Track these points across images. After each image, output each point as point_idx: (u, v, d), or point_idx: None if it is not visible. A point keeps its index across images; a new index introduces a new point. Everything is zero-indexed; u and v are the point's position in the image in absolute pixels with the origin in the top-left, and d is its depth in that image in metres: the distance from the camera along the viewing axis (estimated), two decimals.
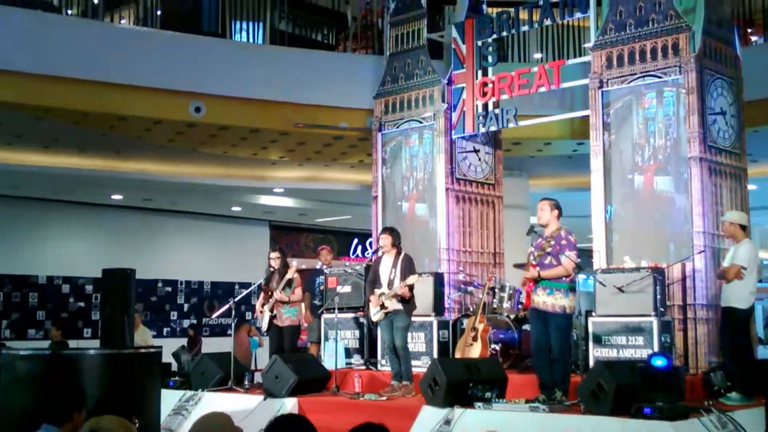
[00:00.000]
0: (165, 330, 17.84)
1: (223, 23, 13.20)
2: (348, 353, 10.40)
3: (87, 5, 12.39)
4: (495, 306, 9.96)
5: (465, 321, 9.82)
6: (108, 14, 12.60)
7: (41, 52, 10.80)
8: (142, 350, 7.59)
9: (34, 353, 7.12)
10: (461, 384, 7.43)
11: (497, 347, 9.52)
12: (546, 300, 7.55)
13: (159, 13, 13.14)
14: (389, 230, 9.06)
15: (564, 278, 7.57)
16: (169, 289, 18.12)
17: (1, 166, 13.47)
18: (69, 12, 12.44)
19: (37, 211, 16.16)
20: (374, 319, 8.95)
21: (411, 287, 8.62)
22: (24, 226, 15.96)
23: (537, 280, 7.58)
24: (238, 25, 13.64)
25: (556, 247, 7.55)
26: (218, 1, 13.10)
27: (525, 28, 11.02)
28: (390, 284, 8.69)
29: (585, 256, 7.99)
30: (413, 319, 9.12)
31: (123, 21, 13.21)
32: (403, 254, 8.85)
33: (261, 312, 9.97)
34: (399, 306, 8.66)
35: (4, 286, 15.90)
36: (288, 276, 9.80)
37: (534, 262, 7.61)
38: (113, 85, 11.21)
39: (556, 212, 7.73)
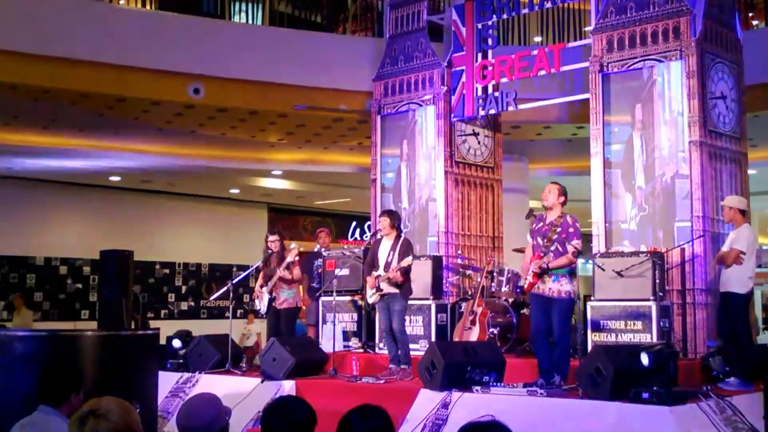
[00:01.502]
0: (162, 312, 17.86)
1: (223, 4, 13.13)
2: (346, 336, 10.41)
3: None
4: (493, 290, 9.95)
5: (463, 304, 9.82)
6: None
7: (40, 33, 10.73)
8: (140, 332, 7.58)
9: (31, 334, 7.12)
10: (459, 367, 7.42)
11: (495, 331, 9.52)
12: (552, 287, 7.54)
13: None
14: (389, 212, 9.02)
15: None
16: (167, 271, 18.12)
17: (0, 147, 13.43)
18: None
19: (35, 192, 16.13)
20: (370, 300, 8.92)
21: (405, 271, 8.57)
22: (22, 206, 15.94)
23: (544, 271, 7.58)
24: (237, 7, 13.56)
25: (563, 235, 7.54)
26: None
27: (525, 10, 10.97)
28: (387, 267, 8.65)
29: (584, 240, 7.97)
30: (411, 302, 9.11)
31: (122, 2, 13.12)
32: (402, 238, 8.81)
33: (259, 294, 9.96)
34: (394, 289, 8.63)
35: (1, 267, 15.90)
36: (289, 259, 9.77)
37: (542, 252, 7.57)
38: (112, 66, 11.16)
39: (562, 198, 7.71)
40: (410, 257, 8.54)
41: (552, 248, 7.55)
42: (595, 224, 9.40)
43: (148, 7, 12.82)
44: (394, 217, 8.91)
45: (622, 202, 9.39)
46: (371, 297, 8.81)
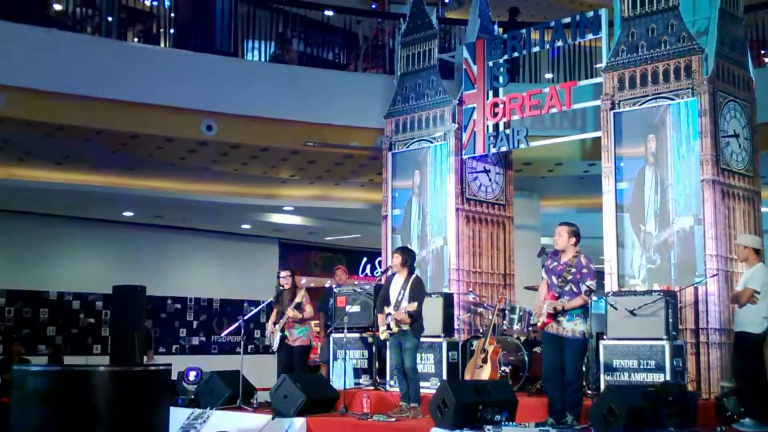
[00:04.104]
0: (174, 347, 17.83)
1: (236, 42, 13.24)
2: (356, 373, 10.37)
3: (101, 23, 12.45)
4: (505, 328, 9.91)
5: (475, 342, 9.77)
6: (121, 32, 12.65)
7: (54, 70, 10.84)
8: (152, 368, 7.58)
9: (44, 370, 7.13)
10: (471, 406, 7.39)
11: (507, 369, 9.47)
12: (566, 326, 7.51)
13: (172, 31, 13.19)
14: (402, 250, 8.99)
15: None
16: (179, 306, 18.12)
17: (14, 183, 13.52)
18: (83, 30, 12.48)
19: (48, 228, 16.19)
20: (381, 337, 8.91)
21: (412, 315, 8.54)
22: (36, 242, 15.99)
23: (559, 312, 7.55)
24: (249, 44, 13.68)
25: (577, 275, 7.52)
26: (231, 20, 13.16)
27: (536, 48, 11.02)
28: (398, 305, 8.63)
29: (597, 278, 7.95)
30: (423, 339, 9.07)
31: (136, 39, 13.26)
32: (414, 276, 8.78)
33: (273, 331, 9.96)
34: (404, 327, 8.60)
35: (15, 301, 15.91)
36: (297, 300, 9.80)
37: (556, 292, 7.55)
38: (126, 103, 11.25)
39: (573, 239, 7.68)
40: (416, 303, 8.50)
41: (566, 288, 7.53)
42: (608, 262, 9.37)
43: (161, 44, 12.94)
44: (406, 254, 8.88)
45: (630, 252, 9.33)
46: (382, 334, 8.79)
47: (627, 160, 9.50)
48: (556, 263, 7.71)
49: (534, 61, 13.52)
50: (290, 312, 9.79)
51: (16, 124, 10.96)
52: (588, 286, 7.45)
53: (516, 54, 10.98)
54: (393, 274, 8.92)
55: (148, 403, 6.43)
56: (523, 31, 10.78)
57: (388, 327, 8.61)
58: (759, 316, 7.90)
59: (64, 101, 10.89)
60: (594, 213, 10.97)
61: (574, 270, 7.54)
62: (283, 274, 10.24)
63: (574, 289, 7.52)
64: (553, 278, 7.65)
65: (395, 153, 11.61)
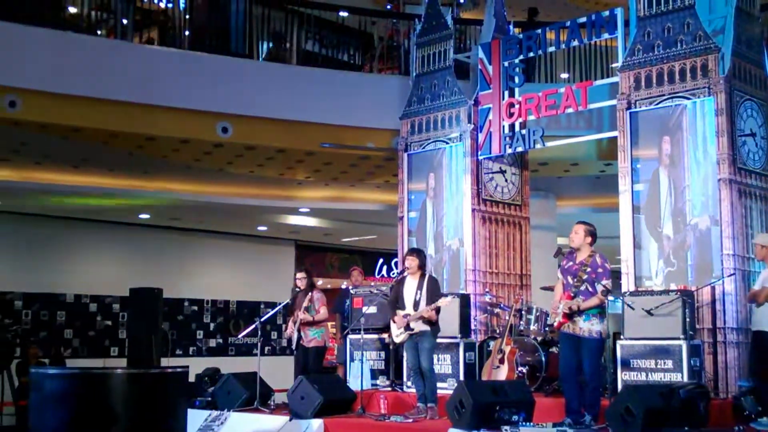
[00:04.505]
0: (191, 349, 17.89)
1: (251, 44, 13.27)
2: (373, 374, 10.36)
3: (116, 26, 12.51)
4: (522, 328, 9.89)
5: (491, 343, 9.76)
6: (137, 35, 12.70)
7: (69, 73, 10.89)
8: (169, 370, 7.59)
9: (61, 372, 7.15)
10: (488, 407, 7.37)
11: (524, 370, 9.45)
12: (582, 326, 7.50)
13: (187, 33, 13.23)
14: (416, 252, 9.00)
15: None
16: (196, 308, 18.18)
17: (31, 185, 13.60)
18: (98, 33, 12.55)
19: (65, 230, 16.29)
20: (396, 340, 8.89)
21: (438, 310, 8.56)
22: (52, 244, 16.09)
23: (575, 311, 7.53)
24: (265, 46, 13.70)
25: (592, 275, 7.51)
26: (246, 21, 13.19)
27: (552, 48, 11.00)
28: (416, 305, 8.61)
29: (613, 277, 7.93)
30: (439, 340, 9.07)
31: (152, 42, 13.29)
32: (428, 276, 8.79)
33: (291, 332, 9.99)
34: (425, 327, 8.60)
35: (32, 304, 16.01)
36: (305, 303, 9.83)
37: (572, 291, 7.54)
38: (141, 106, 11.30)
39: (589, 239, 7.67)
40: (447, 298, 8.53)
41: (582, 288, 7.52)
42: (624, 263, 9.34)
43: (176, 46, 12.96)
44: (421, 256, 8.89)
45: (647, 254, 9.29)
46: (399, 336, 8.77)
47: (643, 161, 9.46)
48: (571, 263, 7.70)
49: (550, 61, 13.48)
50: (301, 315, 9.82)
51: (33, 127, 11.02)
52: (604, 286, 7.45)
53: (531, 54, 10.96)
54: (404, 277, 8.90)
55: (166, 406, 6.44)
56: (539, 31, 10.76)
57: (408, 328, 8.61)
58: None
59: (79, 104, 10.94)
60: (610, 213, 10.93)
61: (589, 269, 7.53)
62: (298, 275, 10.28)
63: (590, 289, 7.51)
64: (569, 278, 7.64)
65: (411, 154, 11.61)
